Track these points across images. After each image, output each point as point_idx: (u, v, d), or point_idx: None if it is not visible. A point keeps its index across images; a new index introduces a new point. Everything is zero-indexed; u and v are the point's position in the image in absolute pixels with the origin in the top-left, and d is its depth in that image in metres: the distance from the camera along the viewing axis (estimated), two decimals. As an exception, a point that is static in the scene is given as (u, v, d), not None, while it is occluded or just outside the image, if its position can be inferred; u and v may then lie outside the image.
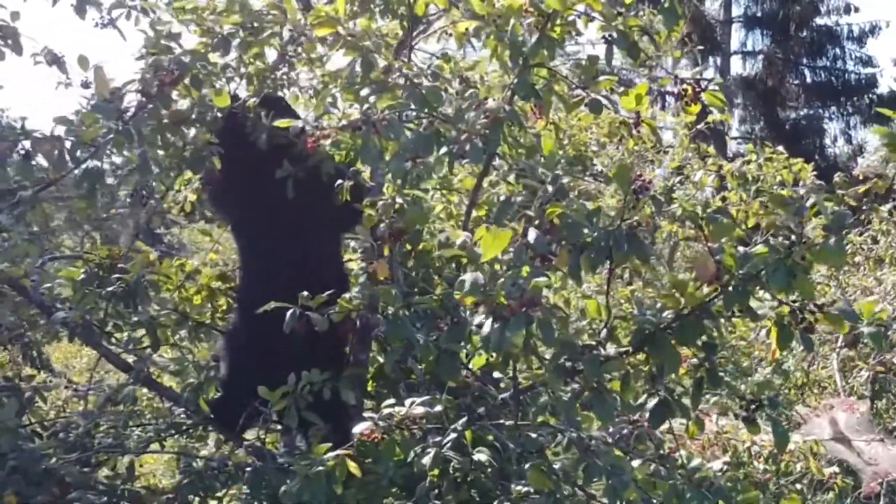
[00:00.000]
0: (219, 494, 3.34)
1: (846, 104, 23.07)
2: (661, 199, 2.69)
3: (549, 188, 2.61)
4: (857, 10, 22.67)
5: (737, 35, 22.87)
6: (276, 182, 3.45)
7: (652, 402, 2.76)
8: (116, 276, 3.50)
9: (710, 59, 21.72)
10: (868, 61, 23.05)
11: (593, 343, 2.68)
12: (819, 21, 22.95)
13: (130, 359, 3.70)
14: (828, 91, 22.91)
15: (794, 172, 7.06)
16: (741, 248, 2.66)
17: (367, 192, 3.58)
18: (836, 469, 5.16)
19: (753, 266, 2.61)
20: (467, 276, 2.48)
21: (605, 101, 2.98)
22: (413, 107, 2.92)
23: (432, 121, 2.90)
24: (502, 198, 3.54)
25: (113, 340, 3.68)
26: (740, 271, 2.62)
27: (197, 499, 3.16)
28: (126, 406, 3.62)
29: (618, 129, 7.63)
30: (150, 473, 4.51)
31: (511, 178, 3.35)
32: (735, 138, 21.98)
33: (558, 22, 2.85)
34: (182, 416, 3.73)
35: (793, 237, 2.56)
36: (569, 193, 2.63)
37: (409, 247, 3.45)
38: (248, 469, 3.08)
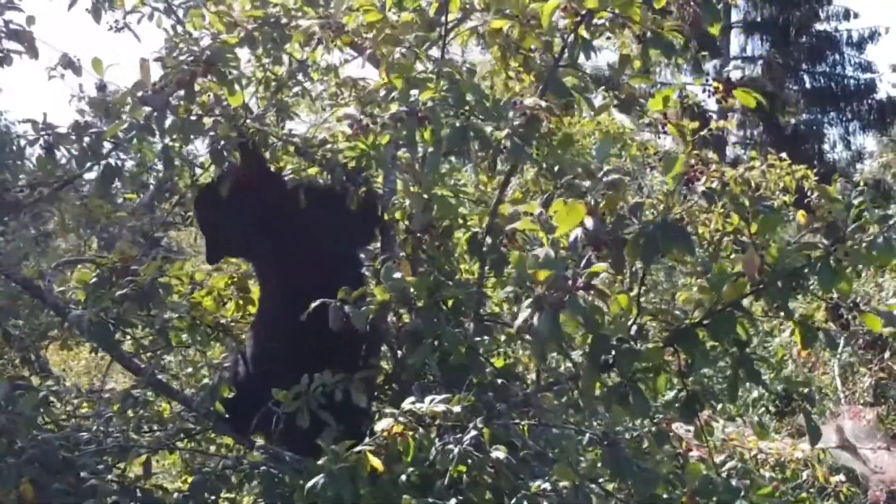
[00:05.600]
0: (231, 495, 3.35)
1: (845, 110, 23.10)
2: (713, 192, 2.70)
3: (603, 181, 2.61)
4: (856, 15, 22.74)
5: (736, 40, 22.92)
6: (288, 193, 3.47)
7: (682, 397, 2.78)
8: (129, 278, 3.51)
9: (710, 65, 21.75)
10: (867, 67, 23.12)
11: (624, 337, 2.69)
12: (819, 27, 22.99)
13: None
14: (827, 96, 22.96)
15: (797, 179, 7.10)
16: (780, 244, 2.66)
17: (379, 198, 3.61)
18: (842, 477, 5.16)
19: (793, 263, 2.62)
20: (539, 251, 2.44)
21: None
22: (451, 101, 2.92)
23: (468, 116, 2.90)
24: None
25: (126, 343, 3.69)
26: (780, 268, 2.63)
27: (211, 498, 3.16)
28: (136, 410, 3.62)
29: (620, 136, 7.65)
30: (158, 475, 4.50)
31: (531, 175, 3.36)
32: (734, 143, 22.03)
33: (593, 23, 2.87)
34: (190, 420, 3.73)
35: (837, 234, 2.58)
36: (620, 187, 2.63)
37: (437, 243, 3.49)
38: (263, 469, 3.09)
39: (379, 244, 3.75)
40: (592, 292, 2.49)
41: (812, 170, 7.14)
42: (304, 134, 3.77)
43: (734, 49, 22.73)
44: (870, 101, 22.90)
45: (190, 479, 3.73)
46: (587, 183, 2.65)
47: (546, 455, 2.86)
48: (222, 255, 3.82)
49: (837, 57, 23.02)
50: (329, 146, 3.51)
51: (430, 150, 2.90)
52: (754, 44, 23.10)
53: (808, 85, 23.14)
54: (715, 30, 2.87)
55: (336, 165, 3.39)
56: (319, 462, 2.66)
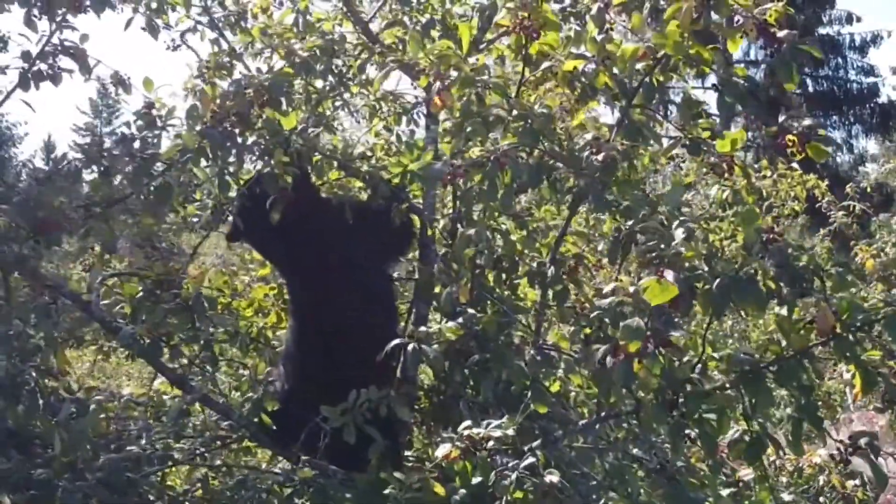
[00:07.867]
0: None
1: (848, 113, 23.22)
2: (789, 251, 2.76)
3: (679, 232, 2.68)
4: (859, 19, 22.89)
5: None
6: (331, 208, 3.54)
7: (746, 439, 2.85)
8: (174, 291, 3.57)
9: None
10: (870, 71, 23.26)
11: (690, 377, 2.76)
12: (821, 30, 23.07)
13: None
14: (830, 100, 23.06)
15: (808, 189, 7.17)
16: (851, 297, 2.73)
17: (420, 213, 3.68)
18: (857, 482, 5.22)
19: (867, 317, 2.69)
20: (630, 321, 2.52)
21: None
22: (526, 142, 2.98)
23: (542, 154, 2.97)
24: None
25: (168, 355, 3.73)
26: (851, 320, 2.71)
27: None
28: (178, 421, 3.66)
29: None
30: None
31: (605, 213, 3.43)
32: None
33: (669, 66, 2.94)
34: (226, 429, 3.77)
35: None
36: (694, 236, 2.69)
37: (504, 277, 3.58)
38: (314, 484, 3.14)
39: (418, 256, 3.81)
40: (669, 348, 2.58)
41: (813, 173, 7.24)
42: (342, 145, 3.83)
43: (737, 53, 22.80)
44: (872, 105, 23.02)
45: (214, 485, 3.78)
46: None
47: (589, 475, 2.92)
48: (241, 239, 3.88)
49: (840, 61, 23.14)
50: (372, 161, 3.58)
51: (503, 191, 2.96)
52: (757, 47, 23.19)
53: (810, 89, 23.22)
54: (791, 86, 2.93)
55: (380, 181, 3.46)
56: (385, 492, 2.71)
